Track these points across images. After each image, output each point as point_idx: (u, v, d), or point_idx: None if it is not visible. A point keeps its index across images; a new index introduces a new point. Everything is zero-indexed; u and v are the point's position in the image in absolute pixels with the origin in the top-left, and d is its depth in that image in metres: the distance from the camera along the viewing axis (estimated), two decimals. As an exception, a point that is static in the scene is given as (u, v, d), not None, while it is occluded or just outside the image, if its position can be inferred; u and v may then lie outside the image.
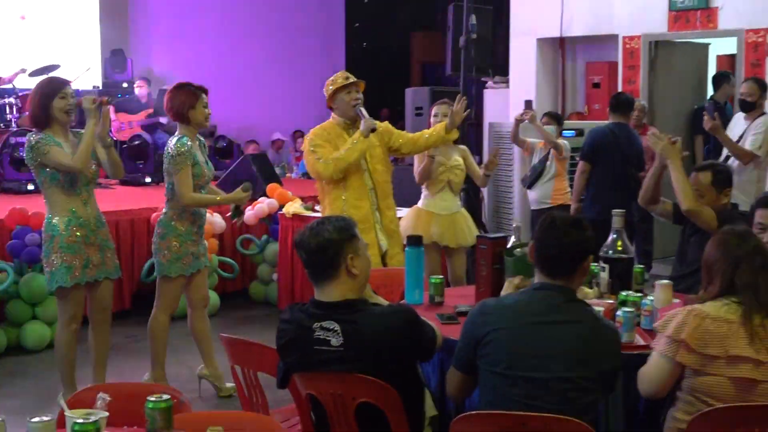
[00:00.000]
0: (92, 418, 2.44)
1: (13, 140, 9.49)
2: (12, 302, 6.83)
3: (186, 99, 5.53)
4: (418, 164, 6.44)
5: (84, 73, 11.71)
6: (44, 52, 11.94)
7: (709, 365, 3.11)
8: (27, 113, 5.27)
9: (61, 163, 5.08)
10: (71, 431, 2.43)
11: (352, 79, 5.78)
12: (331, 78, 5.86)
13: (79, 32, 13.07)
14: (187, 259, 5.56)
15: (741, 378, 3.10)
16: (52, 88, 5.23)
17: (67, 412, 2.59)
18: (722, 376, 3.11)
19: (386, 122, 6.10)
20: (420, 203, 6.56)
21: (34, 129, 5.21)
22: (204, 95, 5.62)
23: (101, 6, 13.28)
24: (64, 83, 5.37)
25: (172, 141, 5.46)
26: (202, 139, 5.83)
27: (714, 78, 10.27)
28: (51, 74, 10.69)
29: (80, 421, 2.42)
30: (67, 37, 12.86)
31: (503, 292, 3.89)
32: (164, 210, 5.63)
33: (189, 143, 5.42)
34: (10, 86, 10.47)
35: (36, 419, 2.37)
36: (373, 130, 5.66)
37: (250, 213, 8.36)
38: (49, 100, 5.14)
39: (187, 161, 5.37)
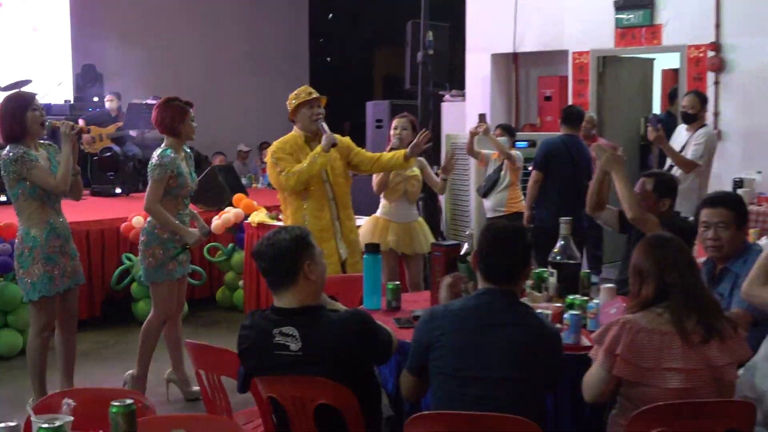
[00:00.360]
0: (57, 423, 2.43)
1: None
2: (-17, 310, 6.77)
3: (176, 114, 5.53)
4: (376, 175, 6.46)
5: (55, 87, 11.64)
6: (16, 68, 11.84)
7: (644, 377, 3.13)
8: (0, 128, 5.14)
9: (46, 182, 5.07)
10: (37, 436, 2.42)
11: (315, 94, 5.77)
12: (295, 92, 5.84)
13: (50, 48, 12.98)
14: (172, 265, 5.54)
15: (675, 388, 3.12)
16: (25, 100, 5.20)
17: (33, 418, 2.57)
18: (657, 387, 3.12)
19: (348, 137, 6.10)
20: (378, 212, 6.57)
21: (8, 143, 5.12)
22: (191, 110, 5.61)
23: (72, 22, 13.19)
24: (33, 95, 5.34)
25: (157, 151, 5.47)
26: (188, 150, 5.82)
27: (670, 93, 10.41)
28: (20, 89, 10.72)
29: (45, 425, 2.40)
30: (38, 53, 12.75)
31: (440, 292, 3.91)
32: (149, 218, 5.60)
33: (172, 155, 5.42)
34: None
35: (2, 425, 2.35)
36: (334, 145, 5.66)
37: (217, 222, 8.33)
38: (24, 113, 5.09)
39: (165, 172, 5.36)
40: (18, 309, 6.82)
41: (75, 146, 5.23)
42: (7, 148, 5.10)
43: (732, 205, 4.19)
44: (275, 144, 5.86)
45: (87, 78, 12.76)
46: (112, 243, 7.87)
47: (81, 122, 9.85)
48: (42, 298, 5.14)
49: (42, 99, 11.12)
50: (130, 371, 5.74)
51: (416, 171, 6.51)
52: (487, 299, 3.25)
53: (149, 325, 5.65)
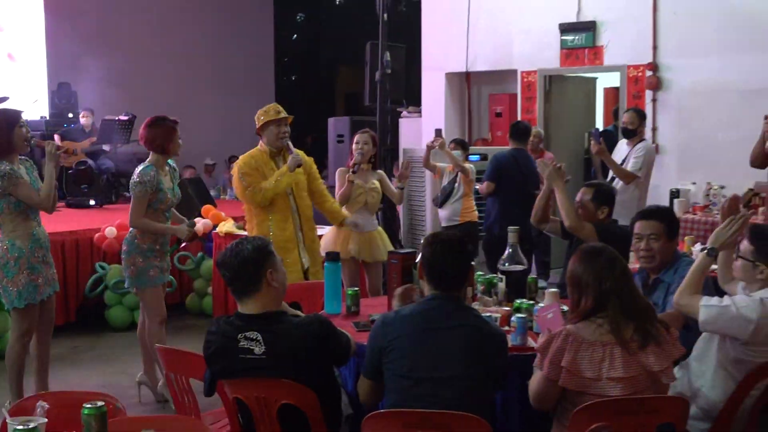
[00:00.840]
0: (32, 425, 2.42)
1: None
2: (-43, 319, 6.68)
3: (165, 133, 5.50)
4: (339, 187, 6.47)
5: (32, 104, 11.53)
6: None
7: (588, 387, 3.15)
8: None
9: (31, 198, 5.04)
10: (12, 438, 2.40)
11: (283, 114, 5.77)
12: (264, 109, 5.84)
13: (26, 68, 12.85)
14: (154, 272, 5.50)
15: (614, 399, 3.12)
16: (13, 117, 5.14)
17: (9, 420, 2.55)
18: (599, 396, 3.13)
19: (311, 159, 6.15)
20: None
21: None
22: (177, 128, 5.59)
23: (48, 44, 13.08)
24: (20, 113, 5.28)
25: (139, 168, 5.42)
26: (173, 164, 5.75)
27: (614, 111, 10.55)
28: (1, 105, 10.59)
29: (20, 427, 2.39)
30: (15, 73, 12.62)
31: (393, 303, 3.94)
32: (130, 229, 5.55)
33: (153, 172, 5.37)
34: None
35: (-23, 427, 2.35)
36: (299, 165, 5.71)
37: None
38: (11, 130, 5.04)
39: (146, 189, 5.32)
40: (-9, 317, 6.75)
41: (57, 165, 5.22)
42: None
43: (663, 218, 4.23)
44: (242, 159, 5.85)
45: (62, 95, 12.64)
46: (86, 252, 7.80)
47: (57, 138, 9.77)
48: (27, 306, 5.10)
49: (22, 114, 11.10)
50: (141, 373, 5.74)
51: (376, 183, 6.53)
52: (435, 304, 3.29)
53: (149, 329, 5.59)
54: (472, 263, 3.45)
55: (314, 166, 6.15)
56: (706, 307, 3.62)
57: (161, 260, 5.58)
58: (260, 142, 5.87)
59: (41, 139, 5.37)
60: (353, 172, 6.34)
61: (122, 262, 5.60)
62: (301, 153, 6.05)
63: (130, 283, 5.57)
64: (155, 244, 5.52)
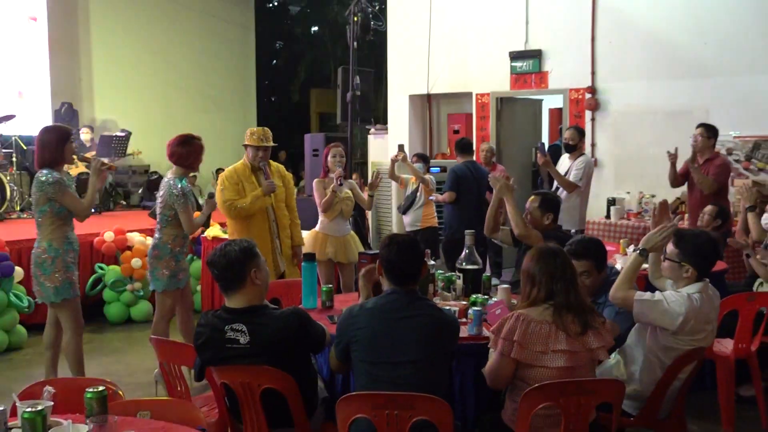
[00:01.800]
0: (39, 407, 2.40)
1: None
2: (-26, 314, 6.59)
3: (196, 151, 5.42)
4: (319, 197, 6.45)
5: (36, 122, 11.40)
6: (2, 104, 11.61)
7: (536, 359, 3.18)
8: (37, 152, 5.04)
9: (75, 206, 5.00)
10: (21, 419, 2.38)
11: (264, 143, 5.77)
12: (253, 130, 5.86)
13: (33, 90, 12.72)
14: (182, 275, 5.44)
15: (561, 367, 3.18)
16: (66, 134, 5.10)
17: (18, 403, 2.52)
18: (547, 367, 3.17)
19: (291, 175, 6.17)
20: (318, 227, 6.55)
21: (42, 168, 4.97)
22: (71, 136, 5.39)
23: (51, 71, 12.95)
24: (71, 130, 5.24)
25: (172, 182, 5.27)
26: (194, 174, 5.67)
27: (560, 129, 10.65)
28: (8, 122, 10.48)
29: (29, 410, 2.37)
30: (24, 94, 12.49)
31: (360, 281, 3.93)
32: (157, 235, 5.41)
33: (187, 184, 5.32)
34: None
35: (-10, 410, 2.32)
36: (273, 191, 5.72)
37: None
38: (64, 144, 5.00)
39: (189, 199, 5.26)
40: (4, 312, 6.66)
41: (100, 178, 5.16)
42: (44, 171, 4.94)
43: (591, 256, 4.01)
44: (226, 172, 5.85)
45: (65, 114, 12.54)
46: (86, 255, 7.69)
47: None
48: (64, 301, 5.03)
49: (26, 131, 10.99)
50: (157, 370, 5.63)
51: (349, 192, 6.53)
52: (394, 297, 3.30)
53: (156, 327, 5.47)
54: (425, 260, 3.45)
55: (291, 183, 6.15)
56: (640, 301, 3.67)
57: (186, 263, 5.54)
58: (245, 154, 5.87)
59: (84, 155, 5.31)
60: (340, 185, 6.35)
61: (151, 264, 5.41)
62: (281, 168, 6.06)
63: (160, 285, 5.38)
64: (184, 248, 5.46)
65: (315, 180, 6.64)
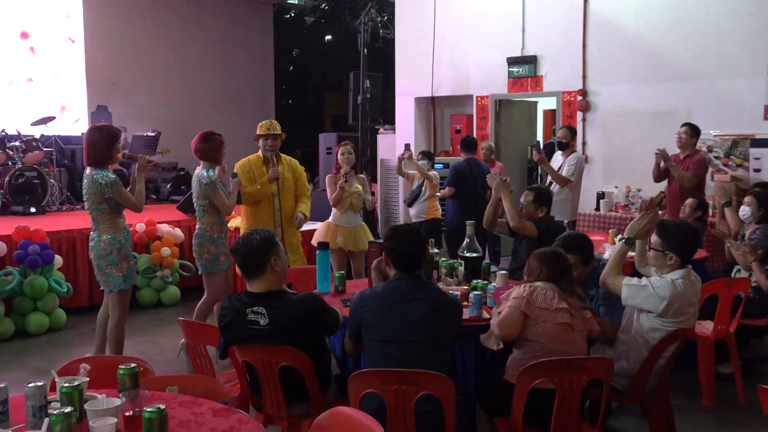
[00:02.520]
0: (76, 383, 2.39)
1: (17, 174, 9.21)
2: (18, 297, 6.61)
3: (217, 146, 5.44)
4: (330, 192, 6.45)
5: (73, 123, 11.42)
6: (43, 107, 11.61)
7: (540, 315, 3.28)
8: (86, 151, 5.02)
9: (129, 201, 5.00)
10: (60, 394, 2.37)
11: (272, 131, 5.82)
12: (262, 123, 5.93)
13: (71, 94, 12.74)
14: (223, 258, 5.47)
15: (561, 323, 3.27)
16: (115, 134, 5.07)
17: (57, 379, 2.52)
18: (549, 323, 3.27)
19: (303, 167, 6.16)
20: (330, 218, 6.55)
21: (92, 167, 4.93)
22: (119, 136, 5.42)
23: (87, 74, 12.98)
24: (119, 131, 5.23)
25: (203, 173, 5.33)
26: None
27: (553, 129, 10.63)
28: (48, 123, 10.48)
29: (66, 385, 2.37)
30: (61, 98, 12.51)
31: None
32: (197, 225, 5.49)
33: (214, 174, 5.33)
34: (15, 133, 10.12)
35: (31, 384, 2.31)
36: (277, 178, 5.73)
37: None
38: (113, 144, 4.99)
39: (216, 185, 5.31)
40: (45, 296, 6.68)
41: (146, 174, 5.21)
42: (94, 171, 4.91)
43: (578, 250, 3.93)
44: (240, 162, 5.92)
45: (100, 115, 12.55)
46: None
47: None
48: (123, 290, 5.07)
49: (63, 132, 11.01)
50: (183, 340, 5.58)
51: (359, 187, 6.50)
52: (401, 283, 3.28)
53: (204, 305, 5.52)
54: (427, 246, 3.44)
55: (303, 175, 6.14)
56: (628, 286, 3.69)
57: (225, 247, 5.53)
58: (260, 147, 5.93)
59: (132, 154, 5.31)
60: (345, 181, 6.33)
61: (195, 252, 5.48)
62: (293, 161, 6.06)
63: (204, 268, 5.46)
64: (222, 233, 5.48)
65: (327, 176, 6.64)
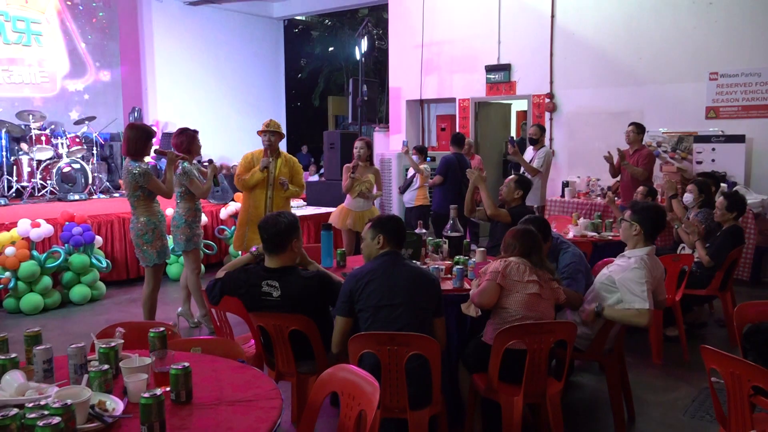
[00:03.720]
0: (112, 344, 2.37)
1: (63, 165, 9.15)
2: (64, 272, 6.58)
3: (189, 139, 5.43)
4: (344, 180, 6.37)
5: (112, 122, 11.34)
6: (85, 108, 11.53)
7: (514, 287, 3.24)
8: (124, 145, 5.01)
9: (159, 189, 4.96)
10: (98, 353, 2.35)
11: (269, 128, 5.73)
12: (264, 121, 5.83)
13: (108, 97, 12.64)
14: (196, 238, 5.43)
15: (532, 294, 3.23)
16: (151, 132, 5.06)
17: (96, 341, 2.50)
18: (520, 293, 3.23)
19: (296, 159, 6.01)
20: (344, 203, 6.49)
21: (131, 158, 4.91)
22: (197, 135, 5.51)
23: (123, 81, 12.87)
24: (154, 130, 5.21)
25: (180, 165, 5.26)
26: (200, 160, 5.60)
27: (522, 124, 10.61)
28: (90, 123, 10.41)
29: (104, 346, 2.35)
30: (101, 101, 12.42)
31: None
32: (176, 210, 5.45)
33: (188, 165, 5.29)
34: (62, 129, 10.03)
35: (73, 346, 2.29)
36: (266, 167, 5.65)
37: (224, 211, 8.18)
38: (149, 140, 4.98)
39: (192, 174, 5.27)
40: (87, 271, 6.65)
41: (175, 167, 5.17)
42: (129, 163, 4.90)
43: (538, 230, 3.80)
44: (245, 155, 5.88)
45: (134, 115, 12.47)
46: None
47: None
48: (156, 265, 5.05)
49: (103, 130, 10.92)
50: (201, 312, 5.61)
51: (369, 177, 6.40)
52: (388, 257, 3.23)
53: (189, 278, 5.48)
54: (407, 229, 3.47)
55: (301, 172, 5.96)
56: (625, 309, 3.50)
57: (199, 229, 5.51)
58: None
59: (162, 149, 5.26)
60: (353, 171, 6.27)
61: (173, 233, 5.44)
62: (291, 158, 5.94)
63: (180, 247, 5.45)
64: (196, 219, 5.45)
65: (345, 165, 6.53)
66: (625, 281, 3.50)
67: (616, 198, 6.85)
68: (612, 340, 3.68)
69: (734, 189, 6.92)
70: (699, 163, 7.96)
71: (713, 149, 7.87)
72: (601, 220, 6.05)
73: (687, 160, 8.17)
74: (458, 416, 3.54)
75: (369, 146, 6.44)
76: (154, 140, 5.09)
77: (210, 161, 5.55)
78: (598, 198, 8.34)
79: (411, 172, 8.48)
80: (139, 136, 4.96)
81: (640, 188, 6.40)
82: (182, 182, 5.28)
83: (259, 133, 5.80)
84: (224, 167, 5.38)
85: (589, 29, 9.18)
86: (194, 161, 5.49)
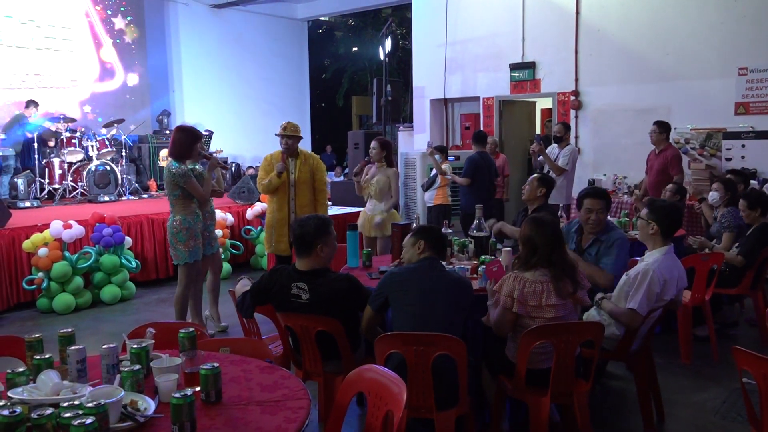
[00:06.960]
0: (143, 344, 2.40)
1: (94, 167, 9.28)
2: (95, 273, 6.68)
3: (189, 139, 5.11)
4: (357, 185, 6.24)
5: (140, 124, 11.49)
6: (114, 111, 11.70)
7: (532, 312, 3.13)
8: (171, 146, 5.02)
9: (196, 191, 4.98)
10: (129, 354, 2.38)
11: (286, 132, 5.55)
12: (282, 124, 5.64)
13: (138, 102, 12.81)
14: (186, 250, 5.08)
15: (552, 317, 3.12)
16: (197, 135, 5.06)
17: (127, 341, 2.53)
18: (540, 318, 3.12)
19: (320, 162, 5.81)
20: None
21: (174, 160, 4.91)
22: (201, 137, 5.25)
23: (151, 84, 13.03)
24: (201, 133, 5.20)
25: (171, 165, 5.00)
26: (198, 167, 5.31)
27: (547, 122, 10.53)
28: (119, 126, 10.55)
29: (135, 346, 2.38)
30: (131, 106, 12.60)
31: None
32: (170, 217, 5.15)
33: (185, 167, 5.01)
34: (91, 132, 10.19)
35: (105, 346, 2.32)
36: (281, 172, 5.48)
37: (250, 212, 8.24)
38: (195, 143, 5.00)
39: (190, 175, 5.00)
40: (117, 271, 6.74)
41: (215, 170, 5.19)
42: (171, 163, 4.93)
43: (604, 197, 4.09)
44: (265, 157, 5.73)
45: (162, 117, 12.62)
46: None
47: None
48: (188, 264, 5.06)
49: (133, 131, 11.08)
50: (206, 312, 5.64)
51: (379, 179, 6.09)
52: (428, 262, 3.23)
53: (179, 290, 5.20)
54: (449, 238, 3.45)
55: (322, 171, 5.79)
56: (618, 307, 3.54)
57: (192, 241, 5.10)
58: None
59: (206, 153, 5.27)
60: (356, 174, 6.18)
61: (169, 239, 5.16)
62: (314, 157, 5.79)
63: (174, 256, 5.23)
64: (191, 229, 5.08)
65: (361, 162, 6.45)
66: (629, 279, 3.55)
67: (644, 196, 6.77)
68: (640, 339, 3.64)
69: (754, 188, 6.77)
70: (728, 160, 7.83)
71: (743, 146, 7.74)
72: (628, 218, 5.97)
73: (716, 157, 8.03)
74: (483, 417, 3.52)
75: (383, 146, 6.10)
76: (200, 144, 5.05)
77: (210, 154, 5.39)
78: (625, 196, 8.25)
79: (433, 171, 8.45)
80: (185, 138, 4.98)
81: (670, 186, 6.31)
82: (177, 182, 4.94)
83: (277, 135, 5.73)
84: (224, 160, 5.22)
85: (613, 25, 9.08)
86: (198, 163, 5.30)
